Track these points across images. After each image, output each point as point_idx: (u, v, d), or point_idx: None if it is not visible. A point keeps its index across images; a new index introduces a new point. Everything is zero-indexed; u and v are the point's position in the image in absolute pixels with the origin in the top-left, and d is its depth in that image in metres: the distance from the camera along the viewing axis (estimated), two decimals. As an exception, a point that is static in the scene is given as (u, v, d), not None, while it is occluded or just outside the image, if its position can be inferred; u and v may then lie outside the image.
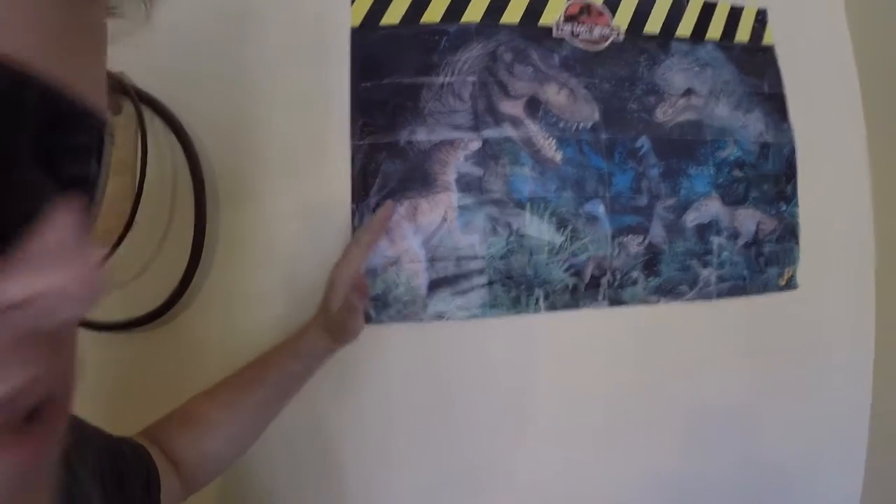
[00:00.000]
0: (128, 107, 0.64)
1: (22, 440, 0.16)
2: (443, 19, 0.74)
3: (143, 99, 0.65)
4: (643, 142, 0.76)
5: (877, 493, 0.89)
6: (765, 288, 0.80)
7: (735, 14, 0.83)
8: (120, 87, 0.63)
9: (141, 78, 0.65)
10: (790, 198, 0.82)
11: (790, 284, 0.81)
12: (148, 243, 0.67)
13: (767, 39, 0.84)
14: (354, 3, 0.73)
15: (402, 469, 0.72)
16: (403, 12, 0.74)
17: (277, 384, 0.59)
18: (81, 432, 0.37)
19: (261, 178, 0.70)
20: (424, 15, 0.74)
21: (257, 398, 0.57)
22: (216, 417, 0.55)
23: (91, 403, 0.63)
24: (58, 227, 0.15)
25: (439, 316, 0.71)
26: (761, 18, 0.84)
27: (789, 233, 0.81)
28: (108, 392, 0.66)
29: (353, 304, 0.62)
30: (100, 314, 0.63)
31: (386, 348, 0.71)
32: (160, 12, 0.67)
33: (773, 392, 0.82)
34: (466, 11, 0.75)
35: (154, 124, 0.67)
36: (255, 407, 0.57)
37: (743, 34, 0.83)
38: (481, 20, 0.75)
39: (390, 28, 0.73)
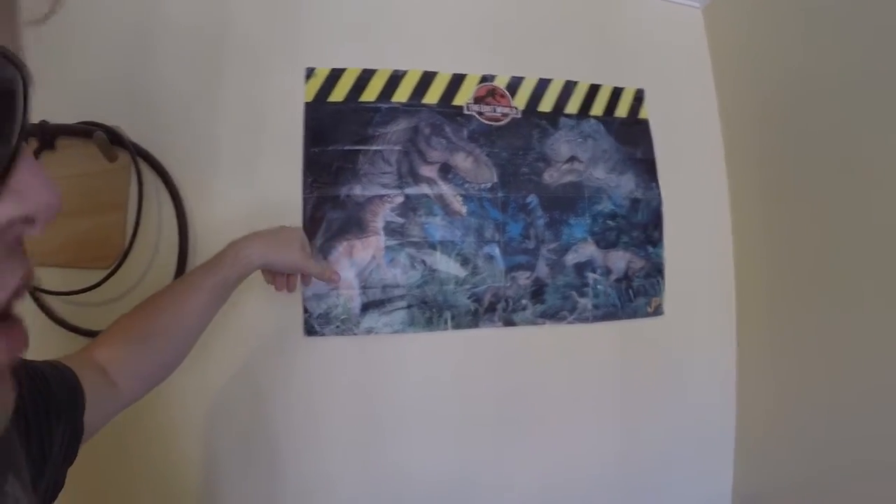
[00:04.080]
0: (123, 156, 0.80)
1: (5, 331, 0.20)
2: (377, 99, 0.95)
3: (137, 151, 0.82)
4: (532, 199, 0.96)
5: (748, 488, 1.06)
6: (635, 314, 0.99)
7: (616, 94, 1.02)
8: (117, 140, 0.80)
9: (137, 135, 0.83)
10: (657, 242, 1.01)
11: (657, 312, 1.01)
12: (137, 266, 0.84)
13: (643, 114, 1.03)
14: (308, 83, 0.93)
15: (337, 444, 0.89)
16: (347, 92, 0.94)
17: (214, 288, 0.63)
18: None
19: (231, 220, 0.86)
20: (363, 95, 0.94)
21: (198, 300, 0.61)
22: (160, 325, 0.58)
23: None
24: (28, 164, 0.20)
25: (369, 331, 0.90)
26: (639, 97, 1.03)
27: (656, 270, 1.01)
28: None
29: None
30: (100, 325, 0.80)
31: (329, 355, 0.90)
32: (153, 83, 0.86)
33: (645, 398, 1.01)
34: (396, 93, 0.95)
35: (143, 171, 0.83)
36: (195, 309, 0.61)
37: (622, 110, 1.02)
38: (408, 100, 0.95)
39: (336, 104, 0.93)
